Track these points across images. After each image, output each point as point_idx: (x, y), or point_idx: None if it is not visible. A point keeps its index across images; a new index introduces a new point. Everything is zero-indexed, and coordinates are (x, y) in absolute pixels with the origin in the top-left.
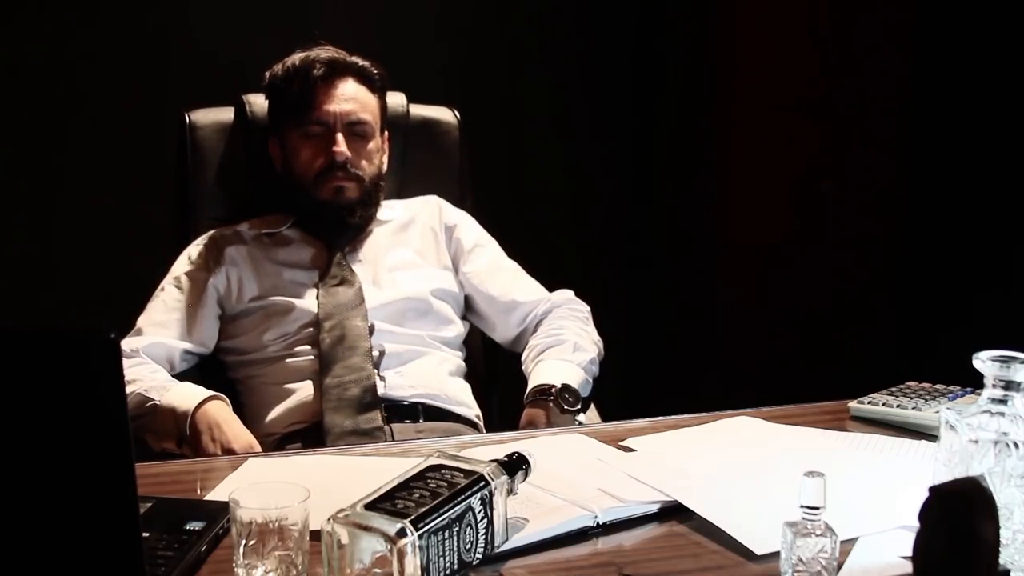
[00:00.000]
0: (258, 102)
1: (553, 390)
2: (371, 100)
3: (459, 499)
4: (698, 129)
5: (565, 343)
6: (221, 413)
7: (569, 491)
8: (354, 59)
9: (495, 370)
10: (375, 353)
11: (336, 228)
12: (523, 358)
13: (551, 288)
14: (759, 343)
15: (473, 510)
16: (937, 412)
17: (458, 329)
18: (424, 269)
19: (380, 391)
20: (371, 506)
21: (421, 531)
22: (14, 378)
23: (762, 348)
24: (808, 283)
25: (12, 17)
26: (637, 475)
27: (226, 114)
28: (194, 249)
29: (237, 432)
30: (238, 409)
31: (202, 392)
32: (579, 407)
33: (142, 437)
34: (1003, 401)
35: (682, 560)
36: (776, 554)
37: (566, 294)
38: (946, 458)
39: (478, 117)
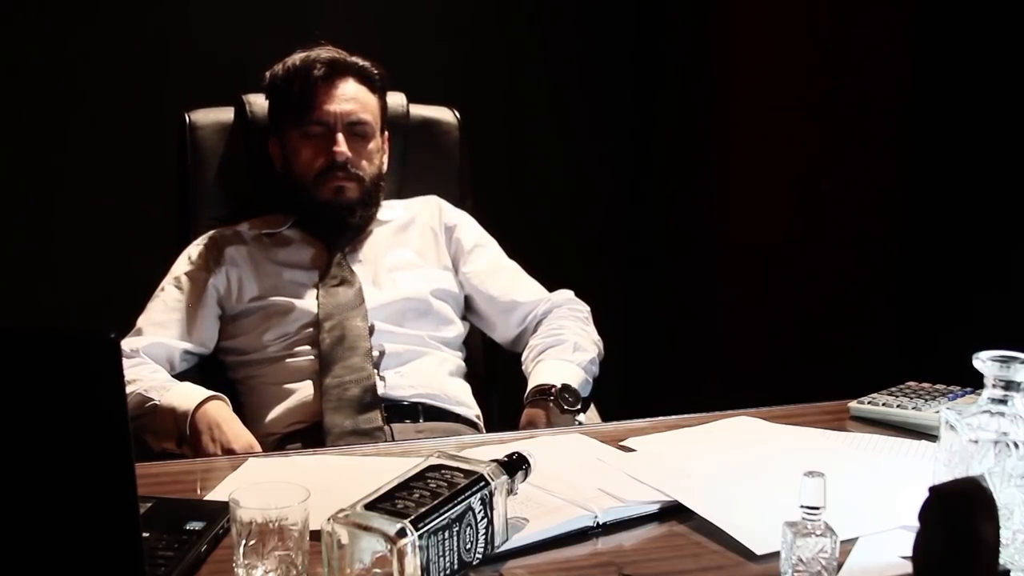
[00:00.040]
0: (258, 102)
1: (553, 390)
2: (371, 100)
3: (459, 499)
4: (698, 129)
5: (565, 343)
6: (221, 413)
7: (569, 491)
8: (354, 59)
9: (495, 370)
10: (375, 353)
11: (336, 228)
12: (523, 358)
13: (551, 288)
14: (759, 343)
15: (473, 510)
16: (937, 412)
17: (458, 329)
18: (424, 269)
19: (380, 391)
20: (371, 506)
21: (421, 531)
22: (14, 378)
23: (762, 348)
24: (808, 283)
25: (12, 17)
26: (637, 475)
27: (226, 114)
28: (194, 249)
29: (237, 432)
30: (238, 409)
31: (202, 392)
32: (579, 407)
33: (142, 437)
34: (1003, 401)
35: (682, 560)
36: (776, 554)
37: (566, 294)
38: (946, 458)
39: (478, 117)
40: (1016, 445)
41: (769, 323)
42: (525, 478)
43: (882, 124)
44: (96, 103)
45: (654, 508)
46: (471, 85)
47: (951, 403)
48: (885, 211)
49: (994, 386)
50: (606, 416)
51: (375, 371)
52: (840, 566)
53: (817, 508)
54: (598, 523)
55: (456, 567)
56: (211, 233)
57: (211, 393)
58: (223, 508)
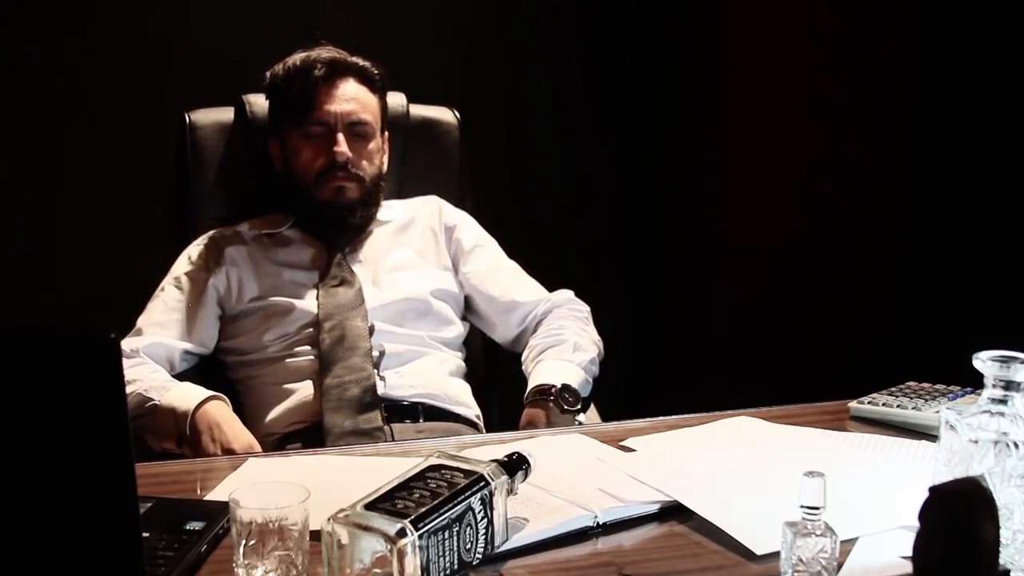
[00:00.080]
0: (258, 102)
1: (553, 390)
2: (372, 100)
3: (459, 499)
4: (698, 129)
5: (565, 343)
6: (221, 413)
7: (569, 491)
8: (355, 59)
9: (495, 370)
10: (375, 353)
11: (336, 228)
12: (523, 358)
13: (551, 288)
14: (759, 343)
15: (473, 510)
16: (937, 412)
17: (458, 330)
18: (424, 270)
19: (380, 391)
20: (371, 506)
21: (421, 531)
22: (14, 378)
23: (762, 348)
24: (808, 283)
25: (12, 17)
26: (637, 475)
27: (226, 114)
28: (194, 249)
29: (237, 432)
30: (238, 409)
31: (202, 392)
32: (579, 407)
33: (142, 437)
34: (1003, 401)
35: (682, 560)
36: (776, 554)
37: (566, 294)
38: (946, 458)
39: (478, 117)
40: (1016, 445)
41: (769, 323)
42: (525, 478)
43: (882, 124)
44: (96, 103)
45: (654, 508)
46: (471, 85)
47: (951, 403)
48: (885, 211)
49: (994, 386)
50: (606, 416)
51: (375, 371)
52: (840, 566)
53: (817, 508)
54: (598, 523)
55: (456, 567)
56: (211, 233)
57: (211, 393)
58: (223, 508)
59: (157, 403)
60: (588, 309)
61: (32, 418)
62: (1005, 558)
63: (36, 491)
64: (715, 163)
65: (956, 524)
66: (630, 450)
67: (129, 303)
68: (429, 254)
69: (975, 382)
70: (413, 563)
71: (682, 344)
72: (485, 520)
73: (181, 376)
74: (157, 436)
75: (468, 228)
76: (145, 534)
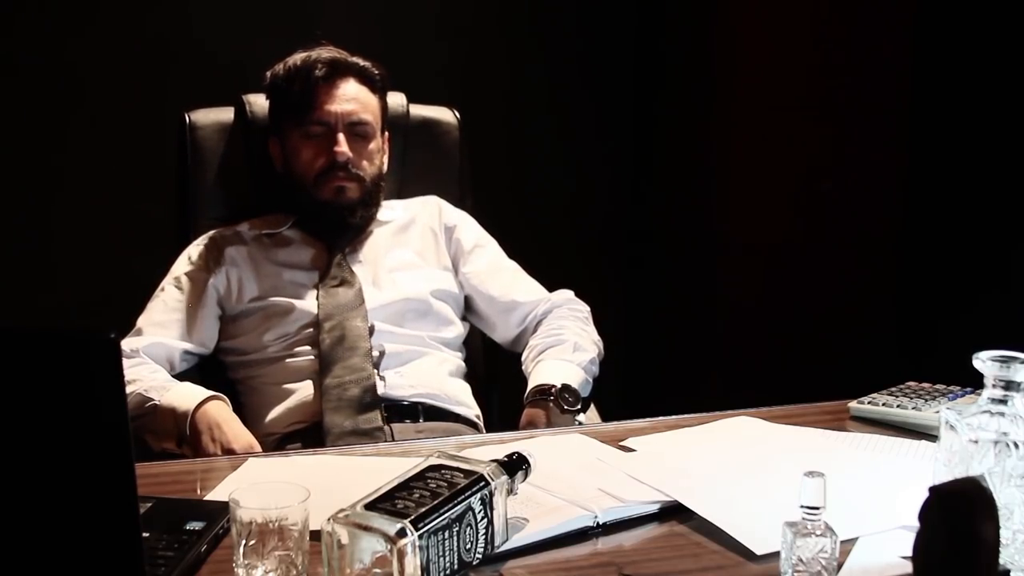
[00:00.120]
0: (258, 102)
1: (553, 390)
2: (372, 100)
3: (459, 499)
4: (698, 129)
5: (565, 343)
6: (221, 413)
7: (569, 491)
8: (355, 59)
9: (495, 370)
10: (375, 353)
11: (336, 228)
12: (523, 358)
13: (551, 288)
14: (759, 343)
15: (473, 510)
16: (937, 412)
17: (458, 330)
18: (424, 270)
19: (380, 391)
20: (371, 506)
21: (421, 531)
22: (14, 378)
23: (762, 348)
24: (808, 283)
25: (12, 17)
26: (637, 475)
27: (226, 114)
28: (194, 249)
29: (237, 432)
30: (238, 409)
31: (202, 392)
32: (579, 407)
33: (142, 437)
34: (1003, 401)
35: (682, 560)
36: (776, 554)
37: (566, 294)
38: (946, 458)
39: (478, 117)
40: (1016, 445)
41: (769, 323)
42: (525, 478)
43: (882, 124)
44: (96, 103)
45: (654, 508)
46: (471, 85)
47: (951, 403)
48: (885, 211)
49: (994, 386)
50: (606, 416)
51: (375, 371)
52: (840, 566)
53: (817, 508)
54: (598, 523)
55: (456, 567)
56: (211, 233)
57: (211, 393)
58: (223, 508)
59: (157, 403)
60: (588, 309)
61: (32, 418)
62: (1005, 558)
63: (36, 491)
64: (715, 163)
65: (956, 524)
66: (630, 450)
67: (129, 303)
68: (429, 254)
69: (975, 382)
70: (413, 563)
71: (682, 344)
72: (485, 520)
73: (181, 376)
74: (157, 436)
75: (468, 228)
76: (145, 534)
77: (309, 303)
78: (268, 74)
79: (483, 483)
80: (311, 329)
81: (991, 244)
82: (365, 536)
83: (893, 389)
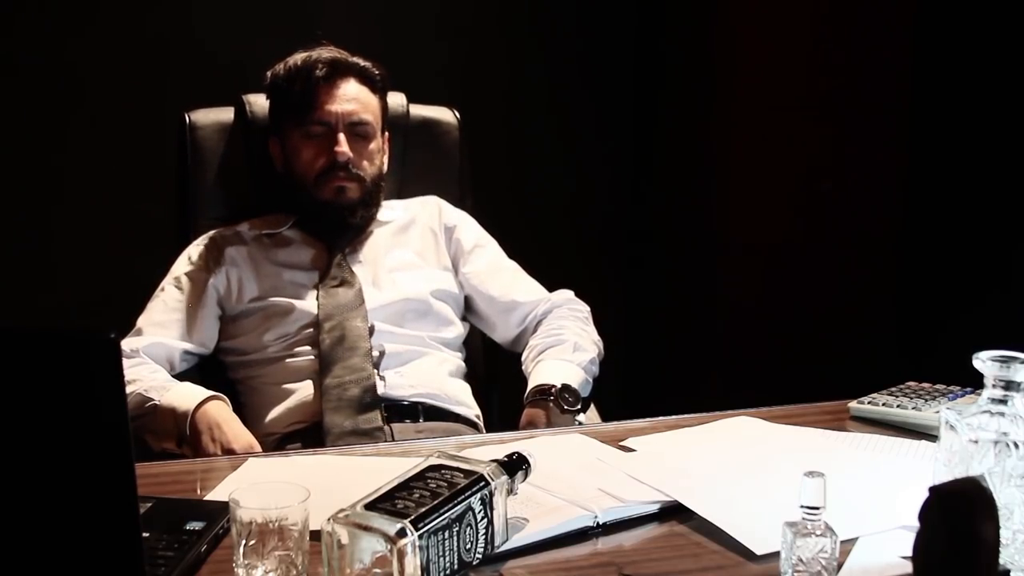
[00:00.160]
0: (258, 102)
1: (553, 390)
2: (372, 101)
3: (459, 499)
4: (698, 129)
5: (565, 343)
6: (221, 413)
7: (569, 491)
8: (356, 59)
9: (495, 370)
10: (375, 353)
11: (337, 228)
12: (523, 358)
13: (551, 288)
14: (759, 343)
15: (473, 510)
16: (937, 412)
17: (458, 330)
18: (424, 270)
19: (380, 391)
20: (371, 506)
21: (421, 531)
22: (14, 378)
23: (762, 348)
24: (808, 283)
25: (12, 17)
26: (637, 475)
27: (226, 114)
28: (194, 249)
29: (237, 432)
30: (238, 409)
31: (202, 392)
32: (579, 407)
33: (142, 437)
34: (1003, 401)
35: (682, 560)
36: (776, 554)
37: (566, 294)
38: (946, 458)
39: (478, 117)
40: (1016, 445)
41: (769, 323)
42: (525, 478)
43: (882, 124)
44: (96, 103)
45: (654, 508)
46: (471, 85)
47: (951, 403)
48: (885, 211)
49: (994, 386)
50: (606, 416)
51: (375, 371)
52: (840, 566)
53: (817, 508)
54: (598, 523)
55: (456, 567)
56: (211, 233)
57: (211, 393)
58: (223, 508)
59: (157, 403)
60: (588, 309)
61: (32, 418)
62: (1005, 558)
63: (36, 491)
64: (715, 163)
65: (956, 524)
66: (630, 450)
67: (129, 303)
68: (429, 254)
69: (975, 382)
70: (413, 563)
71: (682, 344)
72: (485, 520)
73: (181, 376)
74: (157, 436)
75: (468, 228)
76: (145, 534)
77: (309, 303)
78: (268, 74)
79: (483, 483)
80: (311, 329)
81: (991, 244)
82: (365, 536)
83: (893, 389)
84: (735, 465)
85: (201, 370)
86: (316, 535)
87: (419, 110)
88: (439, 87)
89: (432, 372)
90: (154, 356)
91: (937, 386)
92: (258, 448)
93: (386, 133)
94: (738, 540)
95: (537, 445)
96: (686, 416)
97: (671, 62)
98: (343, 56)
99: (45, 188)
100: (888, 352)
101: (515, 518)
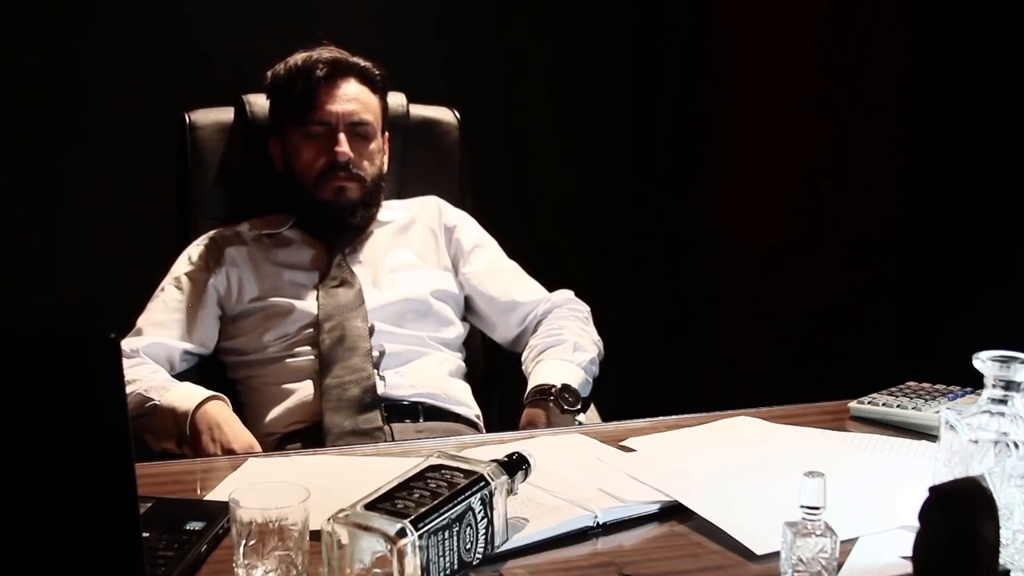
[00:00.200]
0: (258, 102)
1: (553, 390)
2: (373, 101)
3: (459, 499)
4: (698, 129)
5: (565, 343)
6: (221, 413)
7: (569, 491)
8: (356, 59)
9: (495, 370)
10: (375, 354)
11: (337, 229)
12: (523, 358)
13: (551, 288)
14: (759, 343)
15: (473, 510)
16: (937, 412)
17: (458, 330)
18: (424, 270)
19: (380, 391)
20: (371, 506)
21: (421, 531)
22: (14, 378)
23: (762, 348)
24: (808, 283)
25: (12, 17)
26: (637, 475)
27: (226, 114)
28: (194, 249)
29: (237, 432)
30: (238, 409)
31: (202, 392)
32: (579, 407)
33: (142, 437)
34: (1003, 401)
35: (682, 560)
36: (776, 554)
37: (566, 294)
38: (946, 458)
39: (478, 117)
40: (1016, 445)
41: (769, 323)
42: (525, 478)
43: (882, 124)
44: (96, 103)
45: (654, 508)
46: (471, 85)
47: (951, 403)
48: (885, 211)
49: (994, 386)
50: (606, 416)
51: (375, 371)
52: (840, 566)
53: (817, 508)
54: (598, 523)
55: (456, 567)
56: (211, 233)
57: (211, 393)
58: (223, 508)
59: (157, 403)
60: (588, 309)
61: (32, 418)
62: (1005, 558)
63: (36, 491)
64: (715, 163)
65: (956, 524)
66: (630, 450)
67: (129, 303)
68: (429, 255)
69: (975, 382)
70: (413, 563)
71: (682, 344)
72: (485, 520)
73: (181, 376)
74: (157, 436)
75: (468, 228)
76: (145, 534)
77: (309, 303)
78: (269, 74)
79: (483, 483)
80: (311, 329)
81: (991, 244)
82: (365, 536)
83: (893, 389)
84: (735, 465)
85: (201, 370)
86: (316, 535)
87: (419, 110)
88: (439, 87)
89: (432, 372)
90: (154, 356)
91: (937, 386)
92: (258, 448)
93: (386, 133)
94: (738, 540)
95: (537, 445)
96: (686, 416)
97: (671, 62)
98: (343, 56)
99: (45, 188)
100: (888, 352)
101: (515, 518)
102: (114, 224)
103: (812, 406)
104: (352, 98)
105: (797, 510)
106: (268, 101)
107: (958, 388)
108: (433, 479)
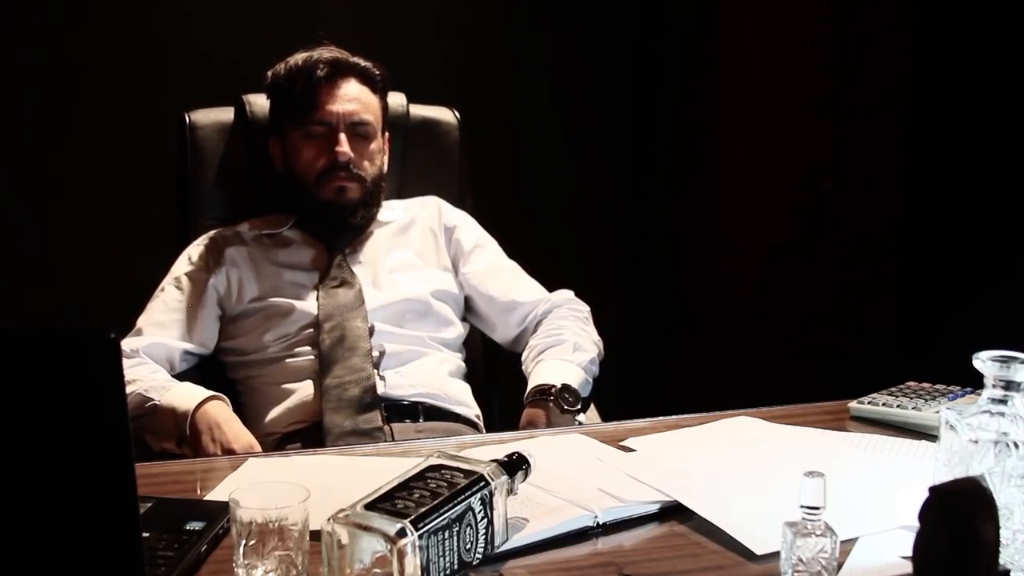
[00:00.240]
0: (258, 102)
1: (553, 390)
2: (373, 101)
3: (459, 499)
4: (698, 129)
5: (565, 343)
6: (221, 413)
7: (569, 491)
8: (356, 59)
9: (495, 370)
10: (375, 354)
11: (337, 229)
12: (523, 358)
13: (551, 288)
14: (759, 343)
15: (473, 510)
16: (937, 412)
17: (458, 331)
18: (424, 270)
19: (380, 391)
20: (371, 506)
21: (421, 531)
22: (14, 378)
23: (762, 348)
24: (808, 283)
25: (12, 17)
26: (637, 475)
27: (226, 114)
28: (194, 249)
29: (237, 432)
30: (238, 409)
31: (202, 392)
32: (579, 407)
33: (142, 437)
34: (1003, 401)
35: (682, 560)
36: (776, 554)
37: (566, 294)
38: (946, 458)
39: (478, 117)
40: (1016, 445)
41: (769, 323)
42: (525, 478)
43: (882, 124)
44: (96, 103)
45: (654, 508)
46: (471, 85)
47: (951, 403)
48: (885, 211)
49: (994, 386)
50: (606, 416)
51: (375, 371)
52: (840, 566)
53: (817, 508)
54: (598, 523)
55: (456, 567)
56: (211, 233)
57: (211, 393)
58: (223, 508)
59: (157, 403)
60: (588, 309)
61: (32, 418)
62: (1005, 558)
63: (36, 491)
64: (715, 163)
65: (956, 524)
66: (630, 450)
67: (129, 303)
68: (429, 255)
69: (975, 382)
70: (413, 563)
71: (682, 344)
72: (485, 520)
73: (181, 376)
74: (157, 436)
75: (468, 228)
76: (145, 534)
77: (309, 304)
78: (269, 74)
79: (483, 483)
80: (311, 329)
81: (991, 244)
82: (365, 536)
83: (893, 389)
84: (735, 465)
85: (201, 370)
86: (316, 535)
87: (419, 110)
88: (439, 87)
89: (432, 372)
90: (154, 356)
91: (937, 386)
92: (258, 448)
93: (386, 133)
94: (738, 540)
95: (537, 445)
96: (686, 416)
97: (671, 62)
98: (344, 56)
99: (45, 188)
100: (888, 352)
101: (515, 518)
102: (114, 224)
103: (812, 406)
104: (352, 98)
105: (797, 510)
106: (268, 101)
107: (958, 388)
108: (433, 479)
